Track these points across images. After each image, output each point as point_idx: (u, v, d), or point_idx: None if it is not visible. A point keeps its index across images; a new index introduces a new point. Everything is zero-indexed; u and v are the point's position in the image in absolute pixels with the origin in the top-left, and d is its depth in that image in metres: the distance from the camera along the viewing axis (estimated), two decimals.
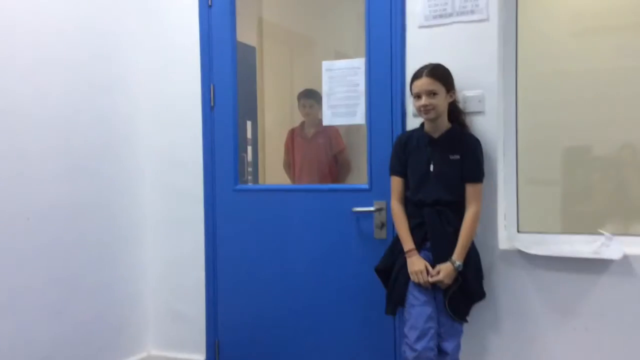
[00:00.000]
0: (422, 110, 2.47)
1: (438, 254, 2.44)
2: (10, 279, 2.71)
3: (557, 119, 2.80)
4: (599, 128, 2.74)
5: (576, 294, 2.53)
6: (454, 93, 2.52)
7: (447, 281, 2.40)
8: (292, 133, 3.79)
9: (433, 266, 2.44)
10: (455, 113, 2.56)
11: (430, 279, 2.41)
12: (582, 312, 2.52)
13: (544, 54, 2.81)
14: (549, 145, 2.82)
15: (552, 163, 2.84)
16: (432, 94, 2.43)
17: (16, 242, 2.74)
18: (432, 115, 2.46)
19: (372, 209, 2.84)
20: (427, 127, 2.55)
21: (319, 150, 3.65)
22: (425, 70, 2.46)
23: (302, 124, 3.72)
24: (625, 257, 2.43)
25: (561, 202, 2.87)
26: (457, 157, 2.47)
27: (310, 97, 3.62)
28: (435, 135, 2.52)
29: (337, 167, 3.66)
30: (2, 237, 2.68)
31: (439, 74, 2.46)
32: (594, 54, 2.74)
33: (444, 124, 2.52)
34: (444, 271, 2.39)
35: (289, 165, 3.80)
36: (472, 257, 2.49)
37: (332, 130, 3.54)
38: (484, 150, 2.55)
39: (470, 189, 2.47)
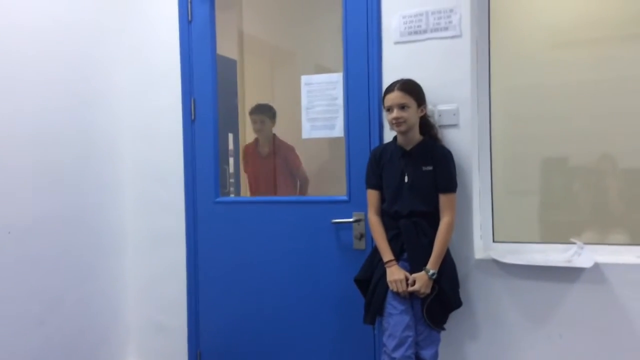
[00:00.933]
0: (393, 123, 2.52)
1: (414, 264, 2.49)
2: None
3: (536, 130, 2.84)
4: (577, 139, 2.78)
5: (550, 301, 2.58)
6: (424, 107, 2.58)
7: (423, 290, 2.44)
8: (247, 150, 3.72)
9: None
10: (427, 127, 2.62)
11: (408, 289, 2.46)
12: (555, 320, 2.57)
13: (522, 67, 2.85)
14: (528, 156, 2.86)
15: (531, 174, 2.88)
16: (403, 107, 2.49)
17: None
18: (403, 127, 2.51)
19: (351, 220, 2.89)
20: (399, 140, 2.61)
21: (274, 168, 3.61)
22: (397, 85, 2.53)
23: (256, 140, 3.65)
24: (597, 266, 2.48)
25: (539, 212, 2.92)
26: (430, 168, 2.52)
27: (261, 113, 3.56)
28: (408, 147, 2.58)
29: (294, 183, 3.62)
30: None
31: (410, 88, 2.53)
32: (572, 67, 2.78)
33: (416, 136, 2.58)
34: (419, 281, 2.44)
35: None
36: (448, 266, 2.54)
37: (288, 147, 3.50)
38: (456, 162, 2.60)
39: (443, 199, 2.52)
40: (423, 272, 2.45)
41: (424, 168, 2.53)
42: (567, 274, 2.54)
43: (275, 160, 3.60)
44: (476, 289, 2.70)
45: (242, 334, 3.19)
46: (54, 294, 3.03)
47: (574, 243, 2.64)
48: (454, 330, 2.70)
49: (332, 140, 3.39)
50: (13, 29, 2.84)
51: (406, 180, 2.55)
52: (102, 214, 3.34)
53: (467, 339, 2.73)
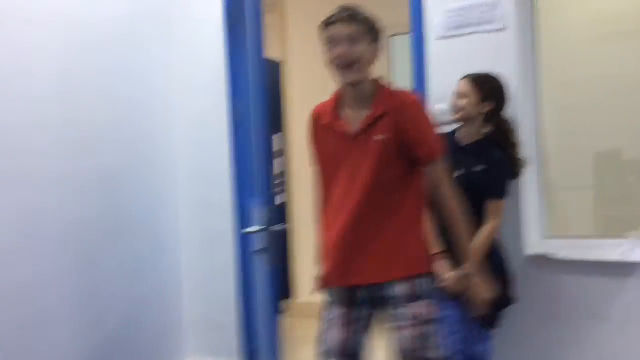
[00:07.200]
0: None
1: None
2: (49, 291, 2.78)
3: (587, 124, 2.79)
4: (630, 132, 2.72)
5: (604, 297, 2.53)
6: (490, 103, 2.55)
7: (452, 286, 2.38)
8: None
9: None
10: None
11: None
12: (611, 316, 2.52)
13: (572, 59, 2.80)
14: (580, 150, 2.81)
15: (584, 168, 2.83)
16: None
17: (53, 256, 2.81)
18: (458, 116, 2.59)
19: None
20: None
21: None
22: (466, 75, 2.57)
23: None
24: None
25: (593, 207, 2.86)
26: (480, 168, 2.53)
27: None
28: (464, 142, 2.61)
29: None
30: (39, 250, 2.75)
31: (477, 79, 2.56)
32: (621, 58, 2.72)
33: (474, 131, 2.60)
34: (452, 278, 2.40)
35: None
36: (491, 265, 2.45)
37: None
38: None
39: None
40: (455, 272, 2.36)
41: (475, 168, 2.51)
42: (622, 269, 2.48)
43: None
44: (528, 285, 2.64)
45: None
46: (110, 293, 3.11)
47: (628, 237, 2.56)
48: (507, 327, 2.65)
49: None
50: (63, 44, 2.91)
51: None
52: (156, 215, 3.42)
53: (521, 336, 2.67)
